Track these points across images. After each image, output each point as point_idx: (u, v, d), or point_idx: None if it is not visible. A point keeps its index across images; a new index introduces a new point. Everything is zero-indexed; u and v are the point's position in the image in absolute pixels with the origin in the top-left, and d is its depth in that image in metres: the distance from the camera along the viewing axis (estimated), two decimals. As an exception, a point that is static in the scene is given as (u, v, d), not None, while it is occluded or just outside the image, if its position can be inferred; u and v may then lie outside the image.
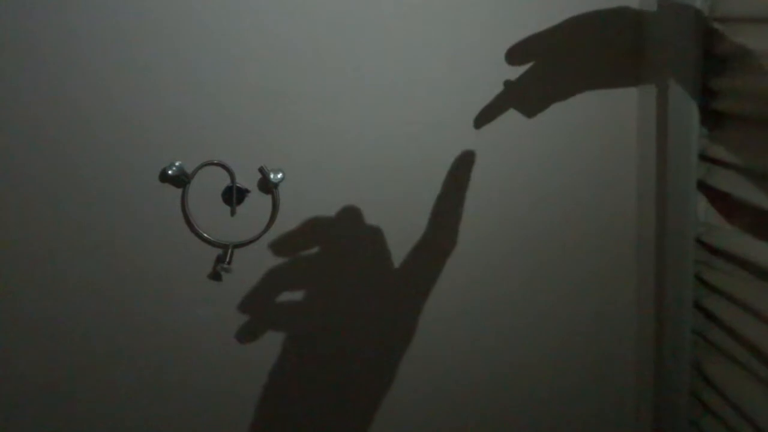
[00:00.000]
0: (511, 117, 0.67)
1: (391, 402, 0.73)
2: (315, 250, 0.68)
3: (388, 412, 0.73)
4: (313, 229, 0.67)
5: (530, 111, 0.67)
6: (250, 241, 0.67)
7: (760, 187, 0.55)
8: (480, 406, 0.75)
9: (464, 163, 0.67)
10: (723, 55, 0.57)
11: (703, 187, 0.62)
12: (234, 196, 0.66)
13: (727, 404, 0.62)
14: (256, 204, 0.67)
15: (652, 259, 0.69)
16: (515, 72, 0.65)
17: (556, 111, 0.67)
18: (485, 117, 0.66)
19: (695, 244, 0.64)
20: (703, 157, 0.62)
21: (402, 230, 0.69)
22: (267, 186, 0.66)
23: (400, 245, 0.69)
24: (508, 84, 0.65)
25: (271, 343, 0.70)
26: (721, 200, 0.63)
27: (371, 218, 0.68)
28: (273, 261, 0.68)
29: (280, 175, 0.66)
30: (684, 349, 0.66)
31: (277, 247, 0.67)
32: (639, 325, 0.73)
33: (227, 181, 0.66)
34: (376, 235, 0.68)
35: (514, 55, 0.64)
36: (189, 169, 0.65)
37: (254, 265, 0.67)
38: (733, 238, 0.60)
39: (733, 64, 0.57)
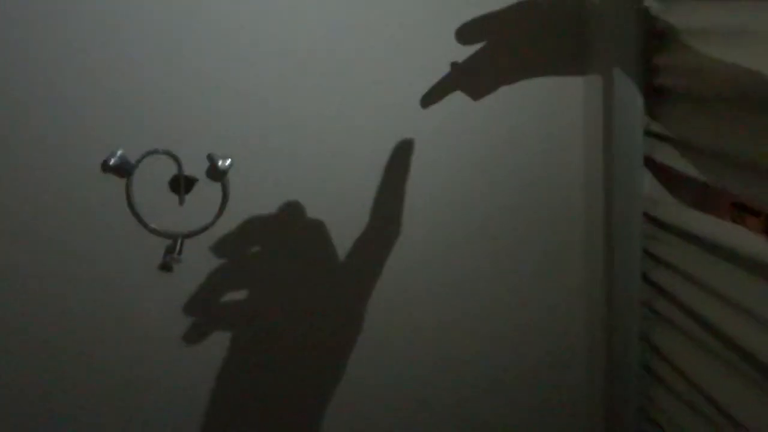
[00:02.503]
0: (458, 98, 0.67)
1: (343, 389, 0.73)
2: (265, 239, 0.67)
3: (339, 400, 0.73)
4: (262, 216, 0.66)
5: (477, 93, 0.67)
6: (200, 231, 0.65)
7: (701, 161, 0.56)
8: (432, 387, 0.75)
9: (403, 149, 0.67)
10: (664, 32, 0.58)
11: (648, 162, 0.64)
12: (182, 185, 0.65)
13: (676, 373, 0.64)
14: (205, 192, 0.65)
15: (601, 234, 0.70)
16: (464, 54, 0.65)
17: (504, 92, 0.68)
18: (432, 97, 0.65)
19: (642, 218, 0.65)
20: (648, 133, 0.63)
21: (351, 217, 0.68)
22: (216, 174, 0.65)
23: (348, 232, 0.68)
24: (455, 65, 0.64)
25: (222, 333, 0.69)
26: (665, 175, 0.64)
27: (318, 205, 0.67)
28: (224, 250, 0.66)
29: (228, 162, 0.64)
30: (633, 321, 0.68)
31: (226, 235, 0.66)
32: (588, 299, 0.75)
33: (174, 170, 0.64)
34: (322, 223, 0.68)
35: (464, 34, 0.64)
36: (132, 159, 0.63)
37: (205, 254, 0.66)
38: (678, 212, 0.62)
39: (675, 41, 0.58)
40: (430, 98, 0.65)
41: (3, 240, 0.63)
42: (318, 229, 0.68)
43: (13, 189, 0.62)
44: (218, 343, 0.69)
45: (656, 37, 0.59)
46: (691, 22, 0.54)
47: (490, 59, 0.66)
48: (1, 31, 0.58)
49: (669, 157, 0.61)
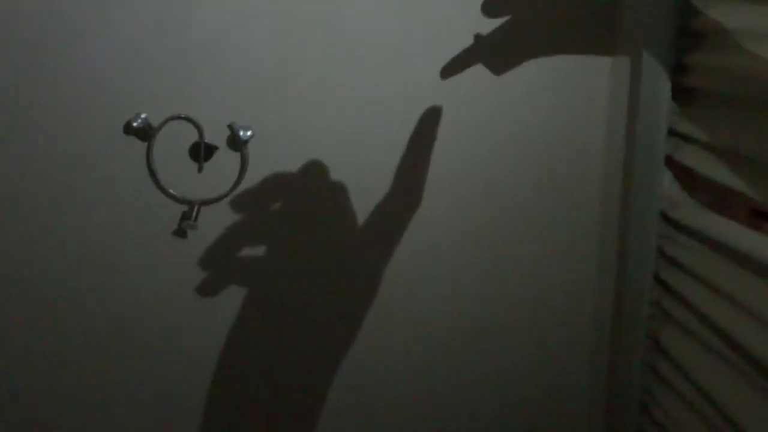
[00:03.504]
0: (480, 73, 0.66)
1: (351, 367, 0.73)
2: (281, 209, 0.67)
3: (348, 379, 0.73)
4: (280, 187, 0.66)
5: (499, 68, 0.66)
6: (217, 199, 0.66)
7: (723, 164, 0.56)
8: (439, 370, 0.76)
9: (430, 120, 0.66)
10: (699, 31, 0.58)
11: (670, 162, 0.63)
12: (202, 152, 0.65)
13: (681, 375, 0.64)
14: (225, 161, 0.65)
15: (615, 230, 0.70)
16: (488, 27, 0.64)
17: (526, 72, 0.67)
18: (452, 68, 0.65)
19: (659, 217, 0.65)
20: (672, 133, 0.62)
21: (370, 190, 0.68)
22: (236, 143, 0.65)
23: (367, 204, 0.68)
24: (479, 38, 0.63)
25: (234, 301, 0.69)
26: (686, 176, 0.64)
27: (338, 176, 0.67)
28: (239, 219, 0.67)
29: (249, 133, 0.64)
30: (640, 320, 0.68)
31: (243, 204, 0.66)
32: (598, 295, 0.75)
33: (195, 137, 0.64)
34: (341, 192, 0.68)
35: (489, 7, 0.63)
36: (155, 123, 0.63)
37: (221, 223, 0.66)
38: (695, 214, 0.61)
39: (709, 40, 0.57)
40: (450, 70, 0.64)
41: (23, 199, 0.63)
42: (336, 201, 0.68)
43: (34, 146, 0.62)
44: (229, 310, 0.69)
45: (690, 35, 0.58)
46: (729, 23, 0.53)
47: (515, 34, 0.64)
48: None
49: (691, 158, 0.60)
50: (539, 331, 0.76)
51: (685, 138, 0.61)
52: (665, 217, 0.65)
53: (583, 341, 0.77)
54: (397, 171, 0.67)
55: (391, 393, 0.74)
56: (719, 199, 0.62)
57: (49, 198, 0.64)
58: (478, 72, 0.66)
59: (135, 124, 0.62)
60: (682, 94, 0.61)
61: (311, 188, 0.67)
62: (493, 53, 0.65)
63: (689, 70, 0.60)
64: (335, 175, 0.67)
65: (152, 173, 0.64)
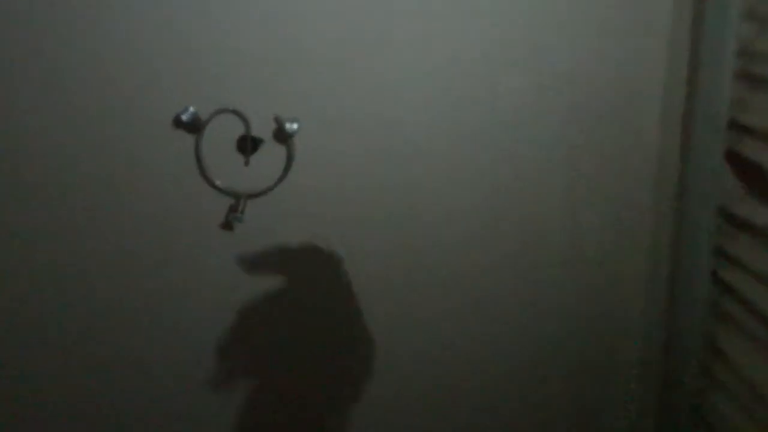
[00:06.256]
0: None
1: (385, 363, 0.73)
2: (328, 204, 0.67)
3: (382, 381, 0.73)
4: (326, 180, 0.66)
5: None
6: (264, 192, 0.66)
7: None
8: (481, 372, 0.75)
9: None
10: (758, 16, 0.55)
11: (731, 156, 0.60)
12: (249, 145, 0.65)
13: (737, 378, 0.61)
14: (271, 154, 0.66)
15: (669, 229, 0.67)
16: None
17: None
18: None
19: (717, 213, 0.62)
20: (734, 124, 0.59)
21: (414, 182, 0.68)
22: (282, 136, 0.65)
23: (410, 196, 0.68)
24: None
25: (280, 293, 0.70)
26: (747, 170, 0.61)
27: (381, 169, 0.67)
28: (286, 212, 0.67)
29: (295, 126, 0.64)
30: (696, 319, 0.65)
31: (290, 199, 0.66)
32: (649, 296, 0.72)
33: (242, 130, 0.65)
34: (388, 189, 0.67)
35: None
36: (203, 116, 0.64)
37: (267, 216, 0.67)
38: (757, 210, 0.58)
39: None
40: None
41: (74, 192, 0.65)
42: (382, 195, 0.67)
43: (86, 141, 0.64)
44: (274, 302, 0.70)
45: (758, 20, 0.56)
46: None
47: None
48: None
49: (754, 151, 0.58)
50: (587, 333, 0.74)
51: (748, 130, 0.58)
52: (724, 214, 0.62)
53: (633, 342, 0.74)
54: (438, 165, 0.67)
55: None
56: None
57: (100, 191, 0.65)
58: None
59: (184, 118, 0.63)
60: (747, 82, 0.58)
61: (355, 183, 0.67)
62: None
63: (756, 56, 0.57)
64: (379, 168, 0.67)
65: (200, 166, 0.65)
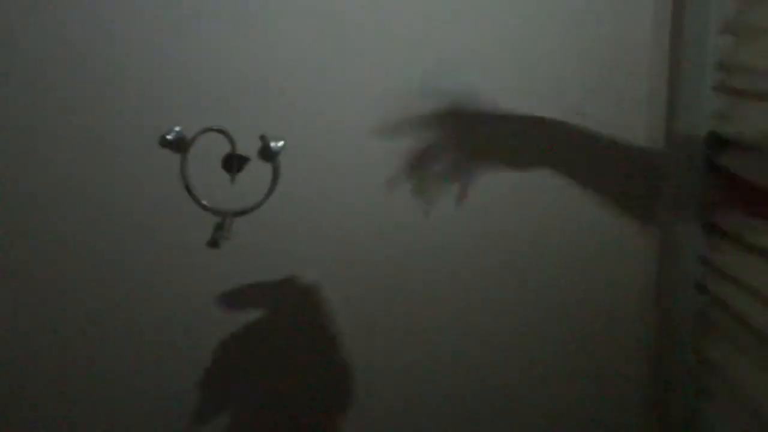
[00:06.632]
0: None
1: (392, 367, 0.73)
2: (314, 221, 0.67)
3: (388, 386, 0.73)
4: (311, 198, 0.67)
5: None
6: (250, 210, 0.66)
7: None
8: (474, 374, 0.74)
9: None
10: (736, 30, 0.56)
11: (712, 168, 0.61)
12: (234, 163, 0.65)
13: (728, 387, 0.61)
14: (256, 172, 0.66)
15: (657, 239, 0.67)
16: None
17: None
18: None
19: (704, 226, 0.63)
20: (714, 136, 0.60)
21: (402, 197, 0.68)
22: (267, 154, 0.65)
23: (399, 208, 0.68)
24: None
25: (267, 312, 0.69)
26: (729, 182, 0.61)
27: (370, 185, 0.67)
28: (272, 230, 0.67)
29: (281, 144, 0.65)
30: (686, 331, 0.65)
31: (275, 217, 0.66)
32: (639, 303, 0.72)
33: (227, 149, 0.65)
34: (375, 209, 0.67)
35: None
36: (189, 135, 0.64)
37: (253, 234, 0.67)
38: (742, 222, 0.59)
39: (749, 39, 0.55)
40: None
41: (59, 211, 0.65)
42: (367, 214, 0.67)
43: (72, 159, 0.64)
44: (263, 321, 0.69)
45: (732, 35, 0.57)
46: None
47: None
48: (77, 7, 0.60)
49: (734, 163, 0.58)
50: (581, 344, 0.73)
51: (728, 142, 0.59)
52: (711, 226, 0.62)
53: (624, 355, 0.74)
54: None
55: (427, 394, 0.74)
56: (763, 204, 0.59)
57: (86, 210, 0.65)
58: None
59: (169, 137, 0.63)
60: (725, 96, 0.59)
61: (342, 200, 0.67)
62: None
63: (732, 69, 0.58)
64: (367, 184, 0.67)
65: (186, 185, 0.65)
